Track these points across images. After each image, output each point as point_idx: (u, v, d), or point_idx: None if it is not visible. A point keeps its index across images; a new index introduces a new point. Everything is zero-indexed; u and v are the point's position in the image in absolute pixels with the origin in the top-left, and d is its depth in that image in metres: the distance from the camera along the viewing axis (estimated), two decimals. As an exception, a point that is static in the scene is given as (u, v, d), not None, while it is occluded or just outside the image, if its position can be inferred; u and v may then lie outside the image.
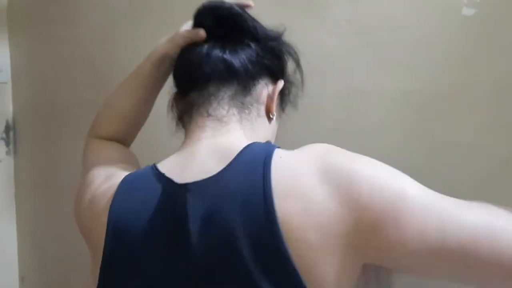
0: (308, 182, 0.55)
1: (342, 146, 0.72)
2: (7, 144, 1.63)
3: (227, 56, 0.69)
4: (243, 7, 0.74)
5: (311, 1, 1.06)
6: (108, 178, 0.68)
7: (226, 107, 0.68)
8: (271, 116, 0.72)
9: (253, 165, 0.58)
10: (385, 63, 0.99)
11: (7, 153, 1.63)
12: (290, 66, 0.79)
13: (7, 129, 1.63)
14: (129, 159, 0.82)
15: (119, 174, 0.68)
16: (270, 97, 0.72)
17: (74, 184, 1.47)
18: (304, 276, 0.53)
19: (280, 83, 0.73)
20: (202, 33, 0.72)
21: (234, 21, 0.71)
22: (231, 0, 0.73)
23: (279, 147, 0.61)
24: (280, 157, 0.58)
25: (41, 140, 1.58)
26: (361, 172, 0.56)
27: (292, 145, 0.63)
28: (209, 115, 0.68)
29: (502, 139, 0.90)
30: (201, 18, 0.74)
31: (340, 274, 0.55)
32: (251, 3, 0.77)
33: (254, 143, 0.63)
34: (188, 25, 0.77)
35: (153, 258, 0.60)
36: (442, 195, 0.56)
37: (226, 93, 0.68)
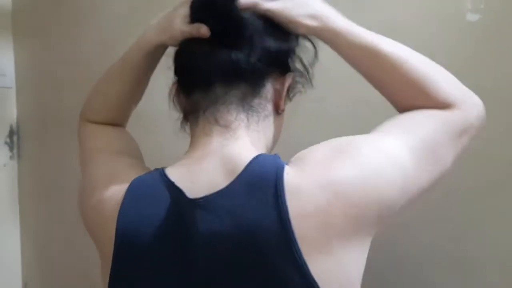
0: (318, 198, 0.55)
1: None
2: (11, 149, 1.64)
3: (234, 55, 0.62)
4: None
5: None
6: (112, 178, 0.66)
7: (235, 114, 0.64)
8: (280, 111, 0.69)
9: (263, 181, 0.56)
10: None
11: (11, 157, 1.64)
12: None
13: (11, 133, 1.63)
14: (129, 146, 0.80)
15: (123, 173, 0.66)
16: (278, 93, 0.67)
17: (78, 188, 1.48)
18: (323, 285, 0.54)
19: (289, 77, 0.68)
20: (205, 31, 0.63)
21: (237, 17, 0.64)
22: None
23: (286, 163, 0.60)
24: (287, 173, 0.56)
25: (45, 145, 1.58)
26: (347, 178, 0.56)
27: (295, 151, 0.62)
28: (216, 122, 0.64)
29: (507, 144, 0.90)
30: (201, 13, 0.65)
31: (360, 268, 0.58)
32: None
33: (261, 155, 0.61)
34: (183, 11, 0.68)
35: (160, 271, 0.59)
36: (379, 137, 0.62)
37: (234, 96, 0.64)
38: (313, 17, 0.65)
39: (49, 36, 1.55)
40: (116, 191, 0.63)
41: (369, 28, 0.99)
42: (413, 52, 0.68)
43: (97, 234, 0.66)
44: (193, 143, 0.67)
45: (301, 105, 0.76)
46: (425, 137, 0.62)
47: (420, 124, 0.64)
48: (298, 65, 0.70)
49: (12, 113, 1.64)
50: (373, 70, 0.68)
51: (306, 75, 0.71)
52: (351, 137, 0.62)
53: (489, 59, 0.91)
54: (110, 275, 0.61)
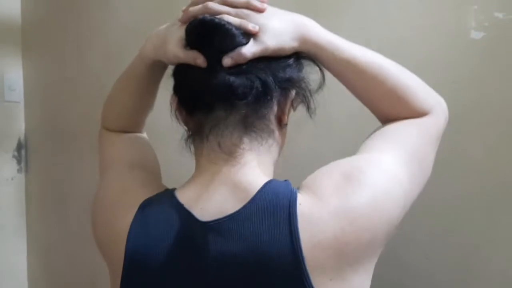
0: (333, 228, 0.56)
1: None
2: (19, 162, 1.65)
3: (232, 78, 0.61)
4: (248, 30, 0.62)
5: (321, 24, 1.07)
6: (124, 195, 0.67)
7: (238, 138, 0.63)
8: (283, 125, 0.68)
9: (276, 207, 0.57)
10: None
11: (19, 170, 1.65)
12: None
13: (19, 147, 1.65)
14: (144, 156, 0.80)
15: (135, 191, 0.67)
16: (281, 109, 0.67)
17: (85, 202, 1.49)
18: None
19: (291, 94, 0.67)
20: (202, 62, 0.61)
21: (234, 45, 0.61)
22: (234, 20, 0.63)
23: (297, 191, 0.60)
24: (300, 203, 0.57)
25: (52, 159, 1.60)
26: (359, 204, 0.57)
27: (301, 165, 0.62)
28: (221, 149, 0.63)
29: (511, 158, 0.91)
30: (198, 40, 0.63)
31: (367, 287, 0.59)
32: (263, 6, 0.66)
33: (272, 181, 0.61)
34: (178, 34, 0.65)
35: None
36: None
37: (235, 118, 0.62)
38: (294, 39, 0.64)
39: (57, 51, 1.57)
40: (126, 211, 0.64)
41: (375, 44, 1.00)
42: (391, 62, 0.70)
43: (107, 251, 0.67)
44: (199, 168, 0.66)
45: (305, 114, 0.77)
46: (413, 151, 0.65)
47: (406, 138, 0.67)
48: (299, 78, 0.68)
49: (20, 127, 1.66)
50: (355, 81, 0.69)
51: (308, 89, 0.69)
52: (353, 160, 0.63)
53: (493, 76, 0.92)
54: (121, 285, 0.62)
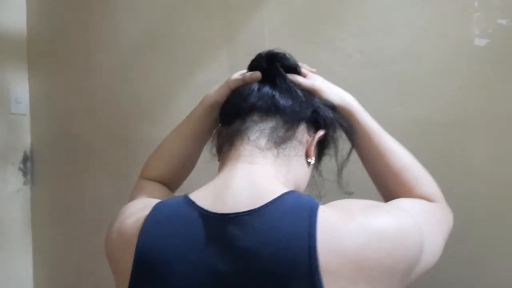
0: (355, 239, 0.56)
1: (356, 177, 0.73)
2: (25, 174, 1.66)
3: (276, 94, 0.71)
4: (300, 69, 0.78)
5: (325, 33, 1.08)
6: (141, 210, 0.68)
7: (265, 139, 0.69)
8: (308, 160, 0.72)
9: (298, 210, 0.58)
10: (399, 93, 1.00)
11: (25, 183, 1.66)
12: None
13: (25, 159, 1.66)
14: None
15: (152, 201, 0.68)
16: (309, 143, 0.73)
17: (91, 215, 1.49)
18: None
19: (321, 132, 0.73)
20: (257, 75, 0.75)
21: (291, 64, 0.76)
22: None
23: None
24: (324, 211, 0.58)
25: (58, 171, 1.60)
26: (383, 229, 0.58)
27: None
28: (244, 148, 0.68)
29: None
30: (257, 62, 0.76)
31: None
32: (313, 70, 0.81)
33: (296, 191, 0.64)
34: (239, 73, 0.78)
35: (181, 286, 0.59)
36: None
37: (268, 124, 0.70)
38: (337, 95, 0.77)
39: (62, 64, 1.58)
40: (140, 216, 0.65)
41: (380, 53, 1.02)
42: (406, 150, 0.78)
43: (117, 257, 0.66)
44: (220, 168, 0.71)
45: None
46: (425, 215, 0.69)
47: (416, 206, 0.70)
48: (331, 129, 0.75)
49: (26, 139, 1.66)
50: (373, 153, 0.77)
51: (336, 140, 0.76)
52: (377, 202, 0.66)
53: (497, 83, 0.92)
54: None
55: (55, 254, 1.61)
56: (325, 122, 0.74)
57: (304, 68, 0.79)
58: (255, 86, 0.73)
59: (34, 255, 1.66)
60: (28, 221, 1.66)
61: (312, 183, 0.78)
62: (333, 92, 0.77)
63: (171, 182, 0.88)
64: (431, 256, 0.65)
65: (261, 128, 0.70)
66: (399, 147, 0.78)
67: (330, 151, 0.77)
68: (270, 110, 0.70)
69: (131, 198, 0.82)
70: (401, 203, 0.70)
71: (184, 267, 0.60)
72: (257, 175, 0.65)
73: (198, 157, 0.88)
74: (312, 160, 0.73)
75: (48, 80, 1.63)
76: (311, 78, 0.77)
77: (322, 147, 0.77)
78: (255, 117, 0.70)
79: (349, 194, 0.76)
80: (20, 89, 1.65)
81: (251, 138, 0.69)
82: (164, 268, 0.60)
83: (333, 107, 0.76)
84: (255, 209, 0.59)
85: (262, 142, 0.69)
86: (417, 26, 0.99)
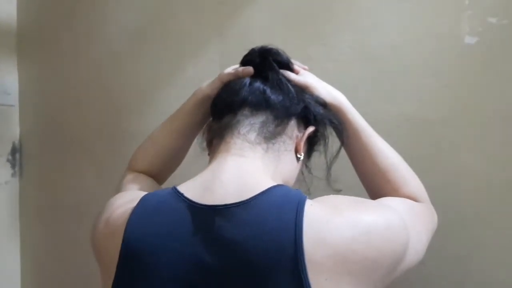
0: (342, 232, 0.57)
1: (347, 174, 0.73)
2: (13, 166, 1.64)
3: (267, 89, 0.72)
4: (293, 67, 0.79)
5: (317, 30, 1.08)
6: (128, 202, 0.68)
7: (255, 133, 0.69)
8: (298, 155, 0.73)
9: (285, 203, 0.59)
10: (390, 90, 1.01)
11: (13, 175, 1.64)
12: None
13: (14, 151, 1.64)
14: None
15: (140, 194, 0.68)
16: (299, 138, 0.73)
17: (80, 207, 1.49)
18: None
19: (311, 128, 0.74)
20: (249, 69, 0.75)
21: (283, 60, 0.76)
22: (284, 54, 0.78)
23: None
24: (311, 205, 0.59)
25: (47, 163, 1.59)
26: (373, 224, 0.59)
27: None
28: (239, 133, 0.69)
29: (507, 165, 0.91)
30: (250, 57, 0.77)
31: None
32: (305, 67, 0.82)
33: (285, 186, 0.64)
34: (232, 67, 0.79)
35: (172, 279, 0.59)
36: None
37: (258, 119, 0.70)
38: (328, 93, 0.78)
39: (52, 55, 1.57)
40: (127, 208, 0.65)
41: (370, 49, 1.02)
42: (394, 150, 0.80)
43: (103, 248, 0.66)
44: (211, 158, 0.72)
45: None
46: (410, 214, 0.69)
47: (402, 205, 0.71)
48: (321, 125, 0.76)
49: (15, 130, 1.65)
50: (361, 151, 0.78)
51: (326, 136, 0.77)
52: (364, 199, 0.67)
53: (487, 81, 0.93)
54: (114, 281, 0.62)
55: (42, 246, 1.60)
56: (315, 119, 0.74)
57: (296, 65, 0.79)
58: (247, 81, 0.74)
59: (21, 247, 1.64)
60: (16, 213, 1.65)
61: (300, 179, 0.78)
62: (324, 89, 0.78)
63: (158, 174, 0.88)
64: (415, 254, 0.66)
65: (252, 122, 0.70)
66: (387, 147, 0.79)
67: (320, 147, 0.77)
68: (261, 105, 0.71)
69: (118, 190, 0.83)
70: (388, 201, 0.71)
71: (169, 258, 0.60)
72: (246, 168, 0.66)
73: (187, 151, 0.88)
74: (301, 156, 0.73)
75: (38, 71, 1.61)
76: (303, 75, 0.78)
77: (311, 143, 0.77)
78: (246, 111, 0.71)
79: (337, 191, 0.76)
80: (9, 80, 1.63)
81: (241, 132, 0.69)
82: (149, 259, 0.60)
83: (324, 104, 0.76)
84: (243, 201, 0.60)
85: (252, 136, 0.69)
86: (408, 23, 1.00)
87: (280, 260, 0.55)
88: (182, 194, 0.63)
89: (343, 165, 0.78)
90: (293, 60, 0.79)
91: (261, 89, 0.72)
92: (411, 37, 0.99)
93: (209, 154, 0.75)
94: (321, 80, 0.80)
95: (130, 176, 0.86)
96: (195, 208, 0.61)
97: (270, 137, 0.70)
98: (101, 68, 1.44)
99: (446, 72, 0.96)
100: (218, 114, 0.75)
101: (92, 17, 1.47)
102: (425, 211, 0.75)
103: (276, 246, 0.56)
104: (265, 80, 0.73)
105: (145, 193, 0.69)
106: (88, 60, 1.47)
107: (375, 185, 0.79)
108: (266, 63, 0.75)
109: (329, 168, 0.77)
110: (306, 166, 0.80)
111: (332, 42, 1.06)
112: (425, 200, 0.78)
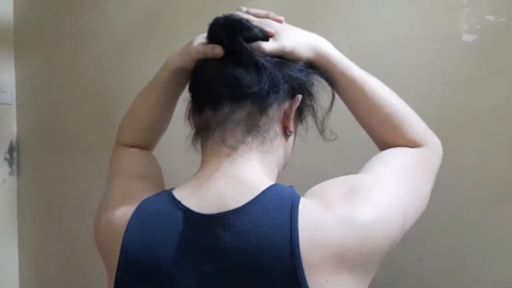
0: (335, 231, 0.56)
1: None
2: (11, 165, 1.64)
3: (242, 77, 0.65)
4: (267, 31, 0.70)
5: (314, 26, 1.07)
6: (126, 198, 0.68)
7: (240, 134, 0.66)
8: (288, 133, 0.70)
9: (279, 207, 0.58)
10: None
11: (10, 173, 1.64)
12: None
13: (11, 149, 1.64)
14: (150, 171, 0.83)
15: (137, 194, 0.68)
16: (286, 115, 0.69)
17: (77, 205, 1.48)
18: None
19: (297, 99, 0.70)
20: (218, 50, 0.67)
21: (252, 34, 0.68)
22: (254, 19, 0.71)
23: (302, 196, 0.62)
24: (304, 205, 0.58)
25: (45, 161, 1.59)
26: (364, 219, 0.58)
27: (303, 176, 0.63)
28: (224, 143, 0.66)
29: (505, 163, 0.91)
30: (216, 33, 0.69)
31: None
32: (281, 18, 0.75)
33: (278, 185, 0.63)
34: (203, 36, 0.72)
35: (165, 285, 0.60)
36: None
37: (241, 115, 0.66)
38: (309, 49, 0.71)
39: (49, 53, 1.57)
40: (127, 211, 0.65)
41: (369, 47, 1.02)
42: (393, 93, 0.76)
43: (105, 251, 0.67)
44: (202, 163, 0.69)
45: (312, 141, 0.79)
46: (409, 177, 0.68)
47: (401, 162, 0.70)
48: (307, 90, 0.72)
49: (12, 129, 1.65)
50: (359, 101, 0.74)
51: (314, 99, 0.73)
52: (360, 177, 0.66)
53: (485, 79, 0.92)
54: (114, 287, 0.62)
55: (40, 244, 1.60)
56: (300, 87, 0.70)
57: (269, 26, 0.71)
58: (217, 66, 0.67)
59: (19, 245, 1.65)
60: (14, 211, 1.65)
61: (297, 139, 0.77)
62: (305, 45, 0.71)
63: (146, 144, 0.88)
64: (416, 213, 0.67)
65: (234, 123, 0.66)
66: (385, 92, 0.74)
67: (310, 112, 0.74)
68: (239, 97, 0.66)
69: (111, 167, 0.83)
70: (383, 166, 0.68)
71: (169, 268, 0.60)
72: (239, 170, 0.65)
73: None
74: (291, 132, 0.71)
75: (35, 69, 1.61)
76: (279, 36, 0.70)
77: (300, 113, 0.73)
78: (225, 108, 0.66)
79: (333, 140, 0.76)
80: (6, 78, 1.63)
81: (226, 141, 0.66)
82: (150, 270, 0.60)
83: (310, 65, 0.71)
84: (238, 208, 0.59)
85: (238, 139, 0.66)
86: (406, 20, 0.99)
87: (278, 266, 0.55)
88: (179, 202, 0.63)
89: (337, 116, 0.75)
90: (266, 13, 0.74)
91: (235, 79, 0.66)
92: (409, 35, 0.99)
93: (194, 138, 0.72)
94: (299, 31, 0.73)
95: (120, 152, 0.86)
96: (192, 218, 0.61)
97: (258, 130, 0.67)
98: (99, 66, 1.43)
99: (443, 70, 0.96)
100: (198, 103, 0.71)
101: (90, 15, 1.47)
102: (426, 157, 0.73)
103: (273, 252, 0.55)
104: (237, 64, 0.66)
105: (142, 193, 0.69)
106: (85, 58, 1.47)
107: (376, 133, 0.76)
108: (236, 44, 0.67)
109: (321, 123, 0.75)
110: (299, 134, 0.77)
111: (331, 39, 1.06)
112: (429, 141, 0.75)
